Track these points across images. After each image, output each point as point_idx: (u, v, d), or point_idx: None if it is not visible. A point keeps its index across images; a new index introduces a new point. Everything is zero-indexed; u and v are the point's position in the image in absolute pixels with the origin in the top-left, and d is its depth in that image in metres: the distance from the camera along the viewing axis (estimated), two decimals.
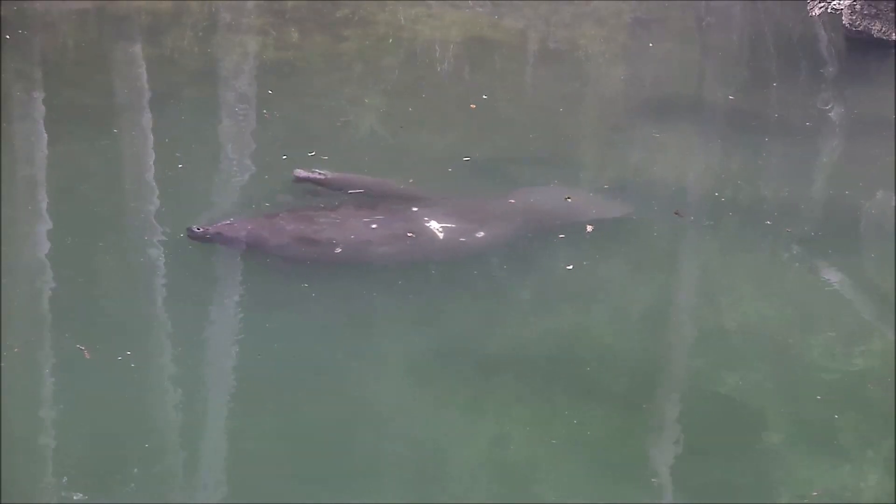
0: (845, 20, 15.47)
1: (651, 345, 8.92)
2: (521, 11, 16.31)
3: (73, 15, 15.17)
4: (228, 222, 9.68)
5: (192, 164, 11.16)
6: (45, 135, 11.77)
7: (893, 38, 15.16)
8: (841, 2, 15.79)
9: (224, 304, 9.06)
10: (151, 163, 11.20)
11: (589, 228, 10.15)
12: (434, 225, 9.76)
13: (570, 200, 10.46)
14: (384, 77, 14.12)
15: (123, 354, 8.22)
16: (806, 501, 7.38)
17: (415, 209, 9.92)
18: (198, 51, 14.55)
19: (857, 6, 15.35)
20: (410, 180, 10.69)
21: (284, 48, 14.75)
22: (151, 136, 11.78)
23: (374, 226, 9.68)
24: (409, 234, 9.66)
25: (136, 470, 7.31)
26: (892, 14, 15.15)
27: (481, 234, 9.80)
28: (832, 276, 9.83)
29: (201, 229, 9.52)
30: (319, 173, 10.56)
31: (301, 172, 10.56)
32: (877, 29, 15.29)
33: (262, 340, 8.58)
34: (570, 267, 9.68)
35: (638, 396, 8.25)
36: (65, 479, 7.22)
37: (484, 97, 13.18)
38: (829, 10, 16.10)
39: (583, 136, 12.75)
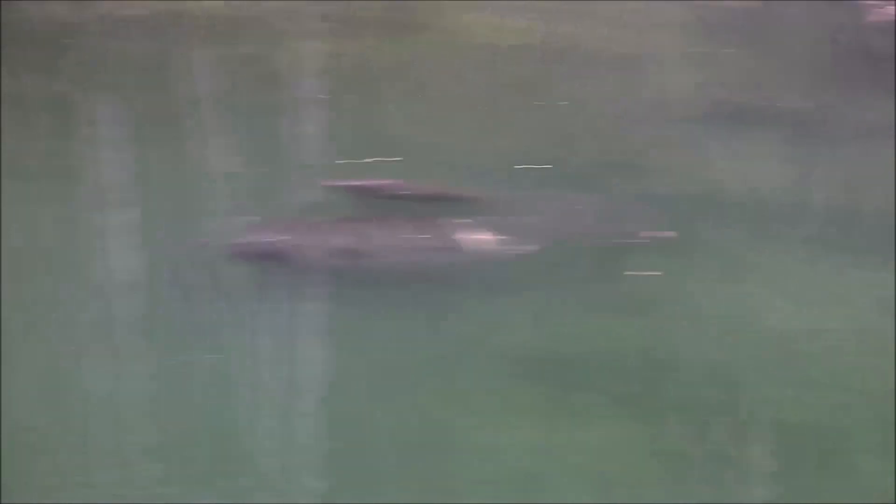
0: None
1: (722, 356, 8.80)
2: (587, 17, 16.27)
3: (141, 18, 15.30)
4: (265, 235, 9.62)
5: (251, 168, 11.23)
6: (113, 137, 11.81)
7: None
8: None
9: (283, 307, 9.03)
10: (211, 167, 11.24)
11: (648, 235, 10.09)
12: (476, 237, 9.68)
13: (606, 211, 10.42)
14: (445, 82, 14.11)
15: (178, 357, 8.26)
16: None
17: (457, 220, 9.85)
18: (261, 54, 14.60)
19: None
20: (466, 186, 10.65)
21: (346, 52, 14.78)
22: (212, 140, 11.82)
23: (414, 237, 9.62)
24: (450, 246, 9.60)
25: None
26: None
27: (523, 246, 9.70)
28: None
29: (238, 246, 9.46)
30: (349, 183, 10.49)
31: (333, 181, 10.50)
32: None
33: (319, 342, 8.58)
34: (632, 274, 9.61)
35: (709, 409, 8.13)
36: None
37: (544, 103, 13.14)
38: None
39: (648, 142, 12.65)
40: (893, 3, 16.11)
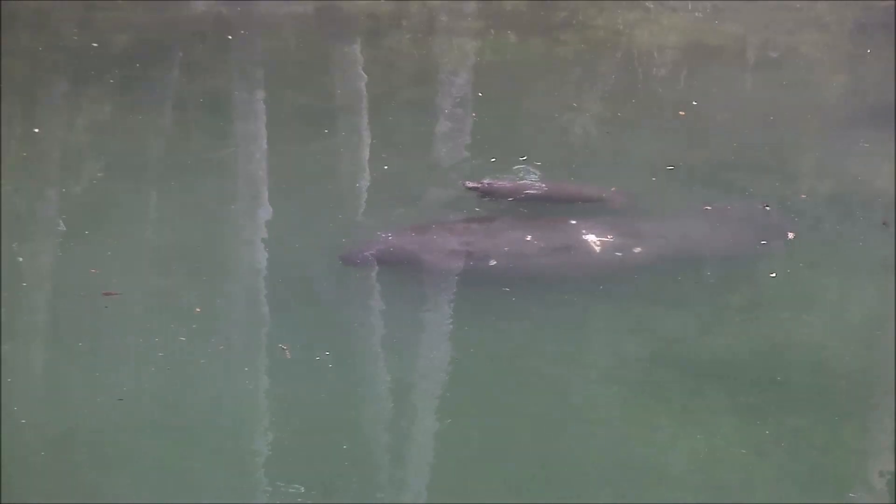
0: None
1: (864, 355, 8.71)
2: (742, 16, 16.03)
3: (294, 16, 15.46)
4: (378, 241, 9.62)
5: (399, 166, 11.30)
6: (266, 134, 12.01)
7: None
8: None
9: (428, 308, 9.13)
10: (362, 164, 11.36)
11: (790, 235, 9.96)
12: (591, 238, 9.60)
13: (768, 209, 10.27)
14: (600, 82, 14.04)
15: (322, 354, 8.36)
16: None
17: (573, 221, 9.77)
18: (415, 53, 14.68)
19: None
20: (613, 188, 10.60)
21: (501, 51, 14.79)
22: (364, 138, 11.94)
23: (528, 238, 9.55)
24: (565, 247, 9.54)
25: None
26: None
27: (638, 249, 9.62)
28: None
29: (351, 256, 9.48)
30: (488, 183, 10.48)
31: (471, 183, 10.52)
32: None
33: (467, 346, 8.62)
34: (774, 275, 9.49)
35: (851, 408, 8.07)
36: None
37: (693, 103, 13.00)
38: None
39: (799, 144, 12.45)
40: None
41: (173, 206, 10.50)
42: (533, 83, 13.81)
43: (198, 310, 8.75)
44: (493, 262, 9.37)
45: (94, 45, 14.14)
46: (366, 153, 11.59)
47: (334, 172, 11.29)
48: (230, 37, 14.61)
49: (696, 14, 16.19)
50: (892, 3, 16.12)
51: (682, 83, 14.09)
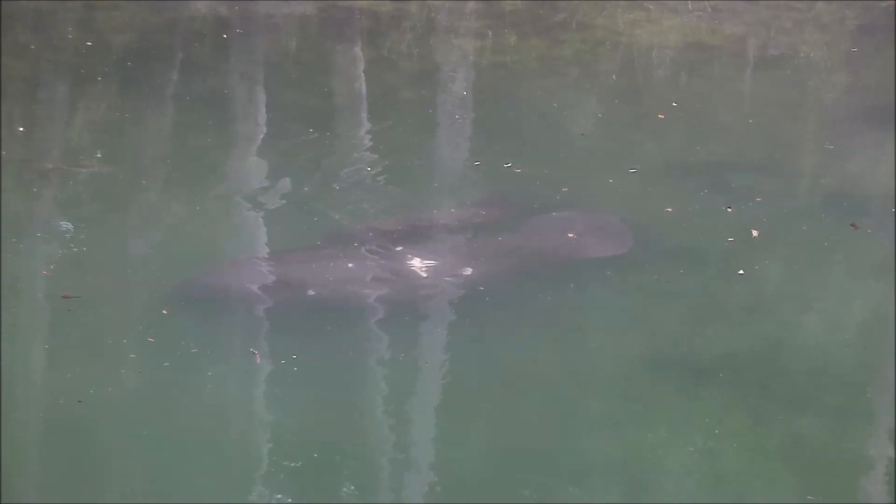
0: None
1: (864, 354, 8.73)
2: (742, 17, 16.02)
3: (295, 17, 15.51)
4: (196, 276, 9.36)
5: (389, 166, 11.29)
6: (266, 134, 12.03)
7: None
8: None
9: (417, 310, 9.12)
10: (357, 163, 11.39)
11: (755, 233, 9.95)
12: (416, 263, 9.50)
13: (572, 237, 10.13)
14: (600, 82, 14.05)
15: (289, 357, 8.33)
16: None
17: (399, 248, 9.63)
18: (415, 53, 14.70)
19: None
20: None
21: (501, 51, 14.80)
22: (362, 137, 11.97)
23: (350, 265, 9.40)
24: (388, 275, 9.36)
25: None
26: None
27: (468, 271, 9.47)
28: None
29: (175, 293, 9.16)
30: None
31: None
32: None
33: (458, 347, 8.63)
34: (742, 272, 9.48)
35: (852, 407, 8.04)
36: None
37: (674, 105, 12.99)
38: None
39: (800, 144, 12.45)
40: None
41: (170, 205, 10.53)
42: (535, 83, 13.83)
43: (165, 311, 8.76)
44: (311, 292, 9.14)
45: (88, 43, 14.21)
46: (365, 153, 11.61)
47: (334, 171, 11.29)
48: (225, 36, 14.67)
49: (697, 15, 16.19)
50: (892, 2, 16.11)
51: (681, 84, 14.09)
